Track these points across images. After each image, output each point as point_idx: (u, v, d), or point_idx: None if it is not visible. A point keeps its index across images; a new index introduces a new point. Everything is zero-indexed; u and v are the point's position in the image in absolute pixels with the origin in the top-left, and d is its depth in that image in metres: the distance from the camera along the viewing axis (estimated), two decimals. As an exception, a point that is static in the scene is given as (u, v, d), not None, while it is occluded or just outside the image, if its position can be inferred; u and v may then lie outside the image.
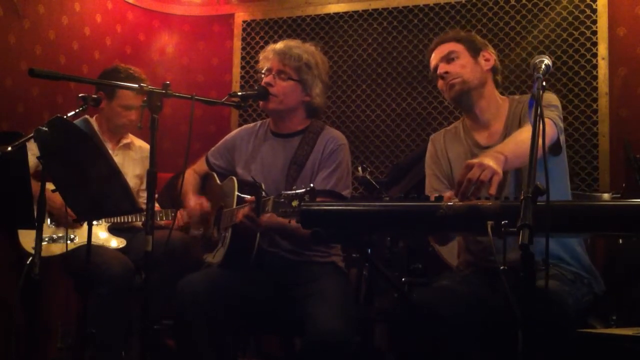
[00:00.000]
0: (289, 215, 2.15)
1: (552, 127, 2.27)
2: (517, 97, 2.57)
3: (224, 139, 3.01)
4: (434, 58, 2.58)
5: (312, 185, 2.16)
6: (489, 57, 2.56)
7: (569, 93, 3.95)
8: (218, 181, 2.89)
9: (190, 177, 2.97)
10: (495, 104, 2.52)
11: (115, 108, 3.43)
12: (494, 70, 2.56)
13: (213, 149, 3.00)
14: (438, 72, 2.54)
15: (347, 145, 2.80)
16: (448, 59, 2.53)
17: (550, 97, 2.43)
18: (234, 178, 2.74)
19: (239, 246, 2.60)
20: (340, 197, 2.66)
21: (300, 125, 2.82)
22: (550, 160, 2.32)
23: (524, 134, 2.12)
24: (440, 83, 2.56)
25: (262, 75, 2.81)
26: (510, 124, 2.45)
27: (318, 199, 2.59)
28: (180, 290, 2.56)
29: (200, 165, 3.01)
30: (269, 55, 2.78)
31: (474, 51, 2.54)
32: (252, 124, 3.01)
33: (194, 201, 2.85)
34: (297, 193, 2.14)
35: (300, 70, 2.74)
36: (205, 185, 3.00)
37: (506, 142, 2.19)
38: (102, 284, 3.02)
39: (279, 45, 2.78)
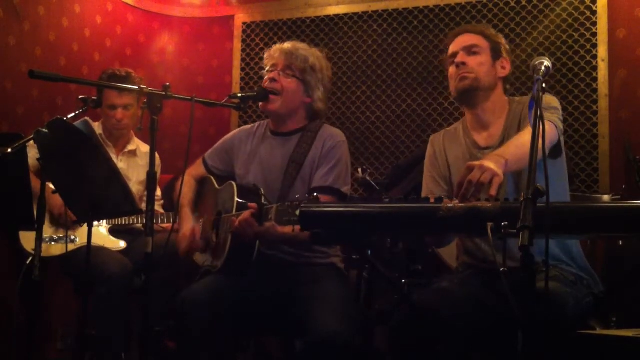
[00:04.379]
0: (292, 224, 2.13)
1: (553, 129, 2.26)
2: (517, 98, 2.55)
3: (221, 141, 2.98)
4: (456, 44, 2.53)
5: (315, 194, 2.14)
6: (506, 65, 2.53)
7: (569, 95, 3.96)
8: (216, 185, 2.86)
9: (186, 188, 2.87)
10: (499, 107, 2.50)
11: (104, 110, 3.46)
12: (506, 78, 2.53)
13: (210, 151, 2.97)
14: (456, 59, 2.49)
15: (346, 142, 2.78)
16: (470, 51, 2.49)
17: (550, 99, 2.41)
18: (233, 183, 2.71)
19: (239, 251, 2.58)
20: (339, 194, 2.65)
21: (299, 124, 2.80)
22: (549, 163, 2.32)
23: (525, 137, 2.10)
24: (452, 70, 2.52)
25: (265, 73, 2.80)
26: (510, 125, 2.44)
27: (318, 195, 2.61)
28: (182, 300, 2.56)
29: (197, 168, 2.97)
30: (274, 54, 2.78)
31: (496, 54, 2.51)
32: (249, 126, 2.99)
33: (186, 228, 2.79)
34: (301, 202, 2.12)
35: (305, 71, 2.74)
36: (202, 190, 2.98)
37: (507, 145, 2.18)
38: (101, 284, 3.02)
39: (287, 44, 2.79)
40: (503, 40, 2.57)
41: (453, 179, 2.49)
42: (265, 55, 2.83)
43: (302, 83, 2.74)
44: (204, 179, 2.96)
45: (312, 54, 2.78)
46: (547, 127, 2.21)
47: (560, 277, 2.24)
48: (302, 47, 2.78)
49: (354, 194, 3.85)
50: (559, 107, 2.41)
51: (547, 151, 2.20)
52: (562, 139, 2.35)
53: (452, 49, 2.54)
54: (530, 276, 1.57)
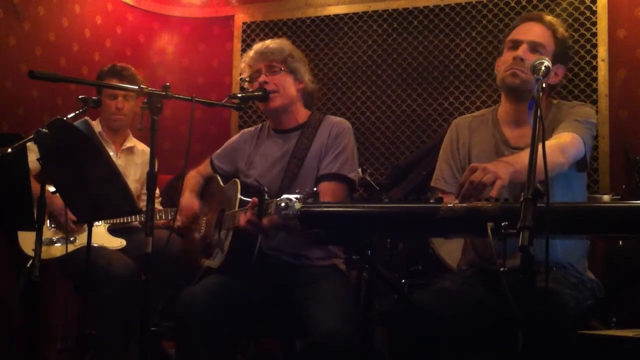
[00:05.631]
0: (291, 219, 2.13)
1: (580, 145, 2.23)
2: (555, 101, 2.45)
3: (227, 143, 3.02)
4: (523, 33, 2.36)
5: (315, 189, 2.14)
6: (560, 73, 2.40)
7: (568, 95, 3.95)
8: (221, 183, 2.90)
9: (192, 178, 2.99)
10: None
11: (105, 101, 3.48)
12: (553, 87, 2.41)
13: (217, 152, 3.02)
14: (517, 50, 2.33)
15: (351, 129, 2.80)
16: (534, 48, 2.32)
17: (588, 112, 2.34)
18: (237, 180, 2.74)
19: (240, 250, 2.59)
20: (346, 180, 2.67)
21: (300, 119, 2.83)
22: (575, 176, 2.32)
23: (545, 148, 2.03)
24: (507, 56, 2.37)
25: (248, 85, 2.83)
26: (546, 129, 2.25)
27: (324, 183, 2.63)
28: (182, 300, 2.56)
29: (205, 168, 3.02)
30: (250, 62, 2.81)
31: (557, 59, 2.34)
32: (252, 127, 3.02)
33: (185, 200, 2.86)
34: (300, 197, 2.12)
35: (286, 61, 2.78)
36: (207, 188, 3.00)
37: (520, 155, 2.11)
38: (106, 285, 3.02)
39: (256, 47, 2.82)
40: (570, 46, 2.39)
41: None
42: (242, 67, 2.86)
43: (290, 73, 2.78)
44: (211, 177, 3.00)
45: (283, 44, 2.83)
46: (572, 140, 2.21)
47: (562, 279, 2.24)
48: (270, 42, 2.82)
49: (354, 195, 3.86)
50: (595, 121, 2.34)
51: (570, 162, 2.18)
52: (588, 155, 2.30)
53: (516, 34, 2.37)
54: (531, 276, 1.57)
